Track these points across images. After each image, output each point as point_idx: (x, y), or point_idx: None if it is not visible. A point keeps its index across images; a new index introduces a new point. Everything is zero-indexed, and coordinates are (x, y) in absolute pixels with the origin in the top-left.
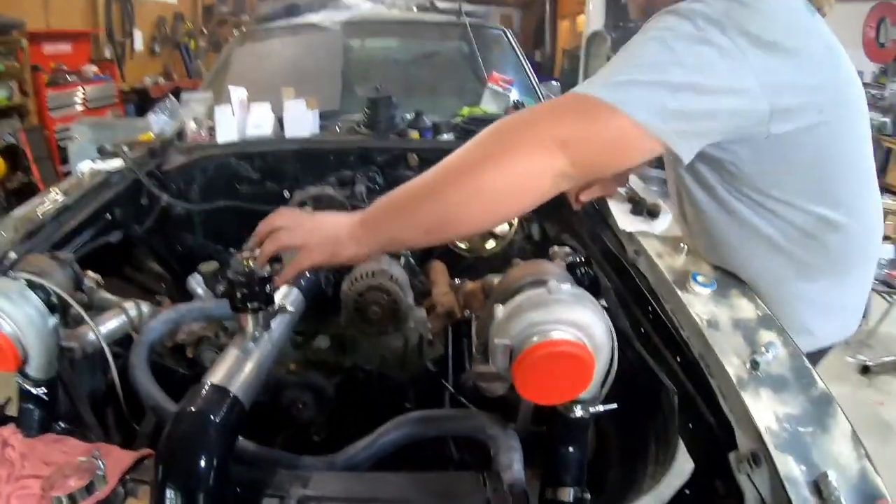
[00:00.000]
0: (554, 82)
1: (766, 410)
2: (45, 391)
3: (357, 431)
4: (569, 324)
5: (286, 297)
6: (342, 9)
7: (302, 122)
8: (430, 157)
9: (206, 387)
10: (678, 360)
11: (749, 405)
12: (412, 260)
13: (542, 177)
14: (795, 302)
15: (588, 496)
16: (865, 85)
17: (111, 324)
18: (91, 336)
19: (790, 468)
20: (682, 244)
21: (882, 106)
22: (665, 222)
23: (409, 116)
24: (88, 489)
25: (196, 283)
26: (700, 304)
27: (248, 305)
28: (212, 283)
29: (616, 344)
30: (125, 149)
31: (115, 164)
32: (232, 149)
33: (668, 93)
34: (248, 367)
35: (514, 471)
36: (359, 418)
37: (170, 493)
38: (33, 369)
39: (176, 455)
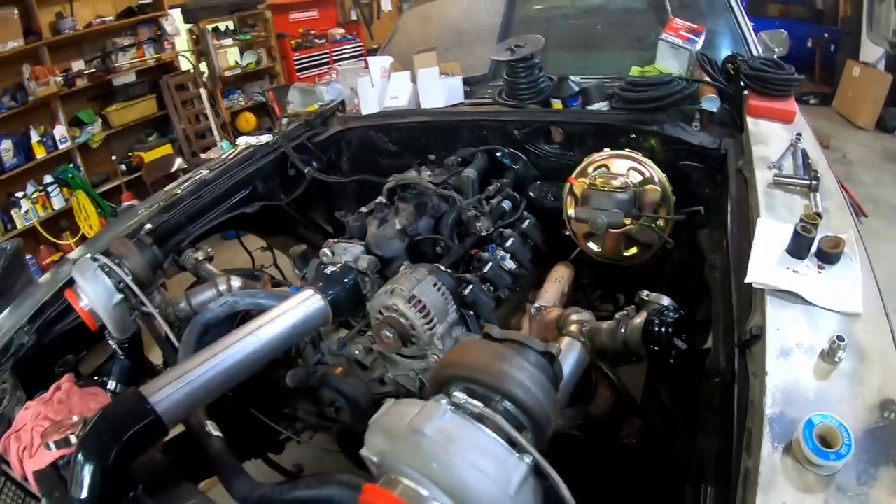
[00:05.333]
0: (783, 31)
1: None
2: (126, 346)
3: None
4: (421, 474)
5: (304, 304)
6: None
7: (437, 90)
8: (574, 131)
9: (134, 394)
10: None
11: None
12: (515, 264)
13: None
14: None
15: None
16: None
17: (202, 295)
18: (182, 304)
19: None
20: (839, 343)
21: None
22: (843, 279)
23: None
24: (66, 442)
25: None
26: (794, 488)
27: None
28: (300, 265)
29: None
30: (283, 121)
31: (267, 137)
32: (371, 120)
33: None
34: (184, 385)
35: None
36: None
37: (76, 470)
38: (111, 331)
39: (85, 441)
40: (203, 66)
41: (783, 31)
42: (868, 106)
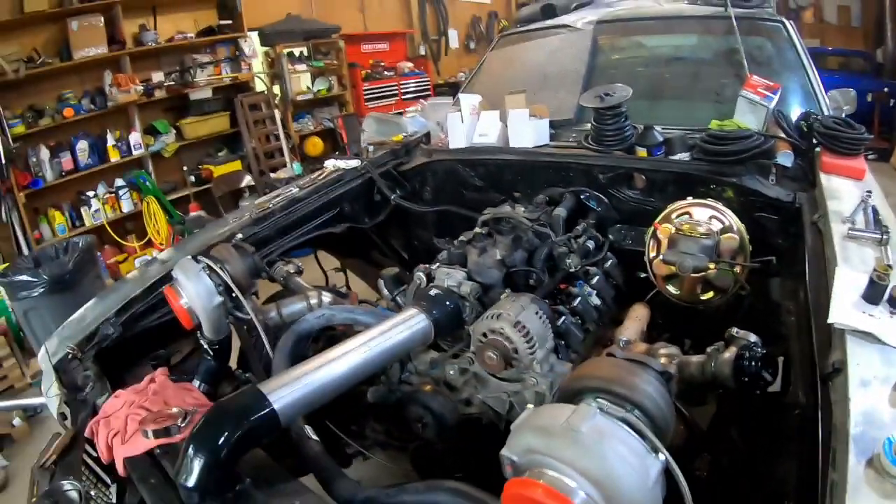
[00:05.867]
0: (851, 90)
1: None
2: (217, 348)
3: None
4: (575, 468)
5: (409, 322)
6: (602, 6)
7: (526, 131)
8: (657, 178)
9: (253, 390)
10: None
11: None
12: (600, 301)
13: None
14: None
15: None
16: None
17: (293, 307)
18: (272, 314)
19: None
20: None
21: None
22: None
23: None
24: (166, 432)
25: (381, 285)
26: (877, 495)
27: None
28: (391, 286)
29: None
30: (370, 148)
31: (354, 162)
32: (459, 154)
33: None
34: (301, 387)
35: None
36: (471, 460)
37: (188, 458)
38: (206, 331)
39: (200, 431)
40: (276, 89)
41: (852, 90)
42: None
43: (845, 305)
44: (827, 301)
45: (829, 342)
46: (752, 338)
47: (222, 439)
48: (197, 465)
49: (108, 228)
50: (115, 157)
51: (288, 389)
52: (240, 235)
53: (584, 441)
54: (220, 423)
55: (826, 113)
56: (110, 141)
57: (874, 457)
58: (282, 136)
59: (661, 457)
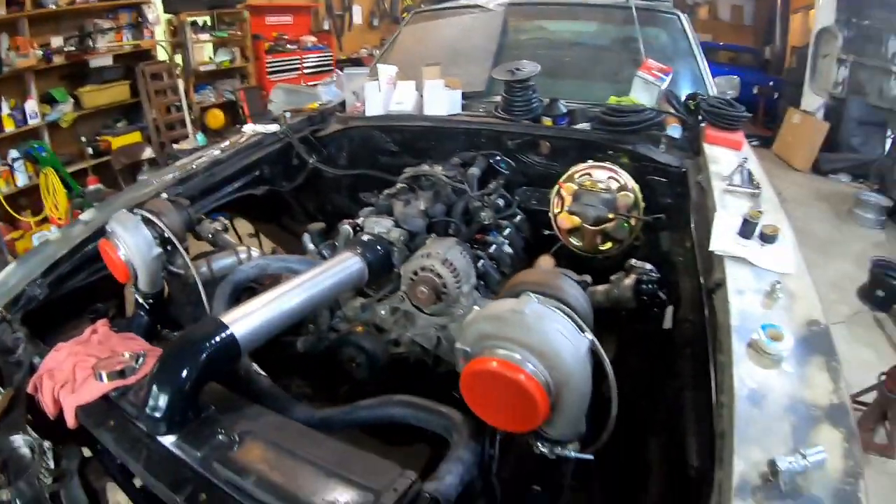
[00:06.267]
0: (736, 77)
1: None
2: (151, 302)
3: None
4: (521, 345)
5: (345, 264)
6: None
7: (441, 101)
8: (561, 145)
9: (214, 320)
10: (701, 432)
11: None
12: (512, 250)
13: None
14: None
15: None
16: None
17: (223, 261)
18: (203, 269)
19: None
20: (777, 285)
21: None
22: (778, 252)
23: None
24: (121, 374)
25: (307, 239)
26: (756, 366)
27: None
28: (316, 240)
29: (614, 388)
30: (287, 115)
31: (273, 127)
32: (375, 121)
33: None
34: (257, 316)
35: (444, 483)
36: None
37: (154, 390)
38: (142, 284)
39: (165, 362)
40: (178, 59)
41: (736, 77)
42: (805, 150)
43: (723, 237)
44: (708, 242)
45: (712, 268)
46: (648, 266)
47: (187, 368)
48: (164, 396)
49: (4, 203)
50: (9, 127)
51: (245, 319)
52: (165, 195)
53: (527, 321)
54: (185, 352)
55: (712, 95)
56: (5, 110)
57: (752, 341)
58: (184, 106)
59: (589, 336)
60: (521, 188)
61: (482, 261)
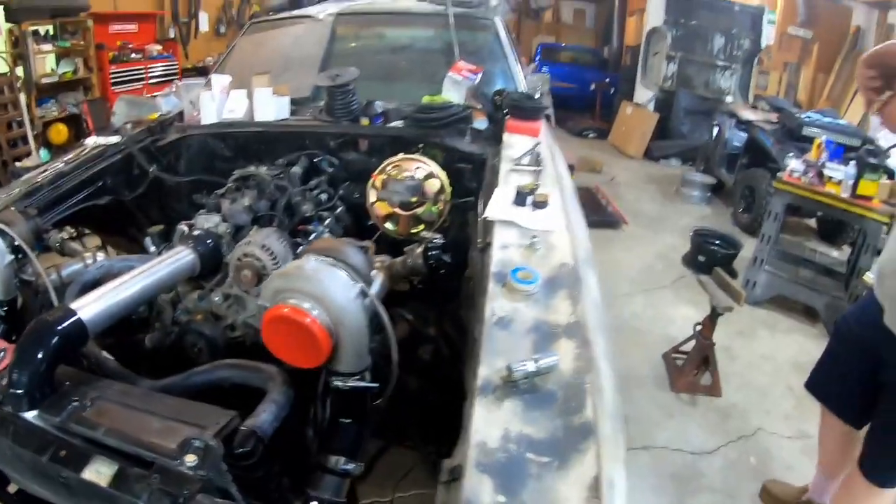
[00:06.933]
0: (547, 74)
1: (495, 425)
2: (6, 309)
3: None
4: (305, 294)
5: (178, 255)
6: (344, 0)
7: (269, 107)
8: (377, 142)
9: (62, 307)
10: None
11: (476, 415)
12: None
13: None
14: None
15: (355, 467)
16: None
17: (71, 267)
18: (53, 276)
19: (481, 497)
20: (534, 239)
21: None
22: (547, 215)
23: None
24: None
25: (148, 242)
26: (506, 300)
27: None
28: (157, 241)
29: (391, 330)
30: (128, 126)
31: (115, 139)
32: (210, 129)
33: None
34: (101, 303)
35: (260, 419)
36: None
37: (14, 374)
38: None
39: (23, 344)
40: (20, 71)
41: (546, 74)
42: (637, 139)
43: (497, 206)
44: None
45: (488, 232)
46: (437, 237)
47: (42, 349)
48: (23, 376)
49: None
50: None
51: (91, 306)
52: (12, 209)
53: (307, 274)
54: (39, 334)
55: (520, 91)
56: None
57: (506, 282)
58: (27, 122)
59: (360, 284)
60: (346, 183)
61: (301, 246)
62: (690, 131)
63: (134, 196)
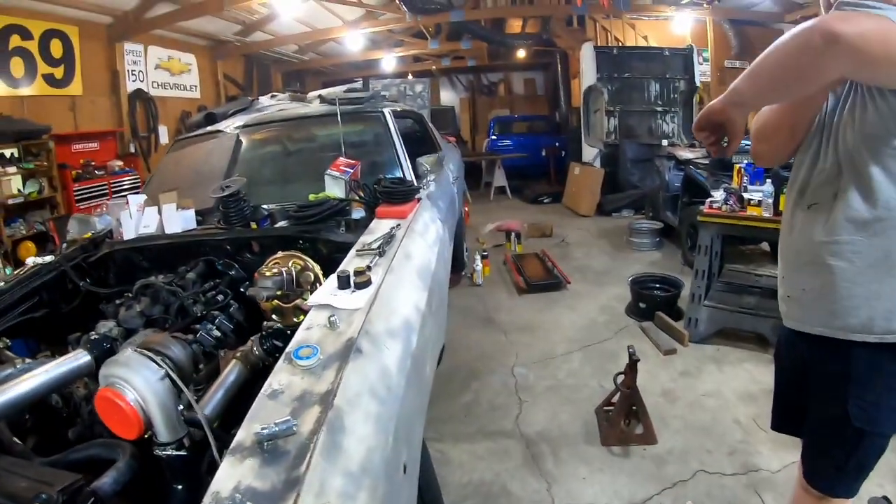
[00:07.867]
0: (437, 155)
1: (233, 478)
2: None
3: None
4: (120, 379)
5: (75, 357)
6: (252, 112)
7: (175, 220)
8: (266, 242)
9: None
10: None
11: (221, 470)
12: (220, 333)
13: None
14: None
15: None
16: None
17: (3, 372)
18: None
19: None
20: (332, 318)
21: None
22: (359, 295)
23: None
24: None
25: (69, 347)
26: (286, 374)
27: None
28: (75, 345)
29: (196, 406)
30: (64, 245)
31: (50, 258)
32: (130, 244)
33: None
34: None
35: (102, 482)
36: None
37: None
38: None
39: None
40: None
41: (438, 155)
42: (588, 197)
43: (320, 293)
44: None
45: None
46: (275, 324)
47: None
48: None
49: None
50: None
51: None
52: None
53: (122, 362)
54: None
55: (408, 177)
56: None
57: (291, 359)
58: None
59: (163, 370)
60: (246, 283)
61: (193, 344)
62: (640, 179)
63: (69, 308)
